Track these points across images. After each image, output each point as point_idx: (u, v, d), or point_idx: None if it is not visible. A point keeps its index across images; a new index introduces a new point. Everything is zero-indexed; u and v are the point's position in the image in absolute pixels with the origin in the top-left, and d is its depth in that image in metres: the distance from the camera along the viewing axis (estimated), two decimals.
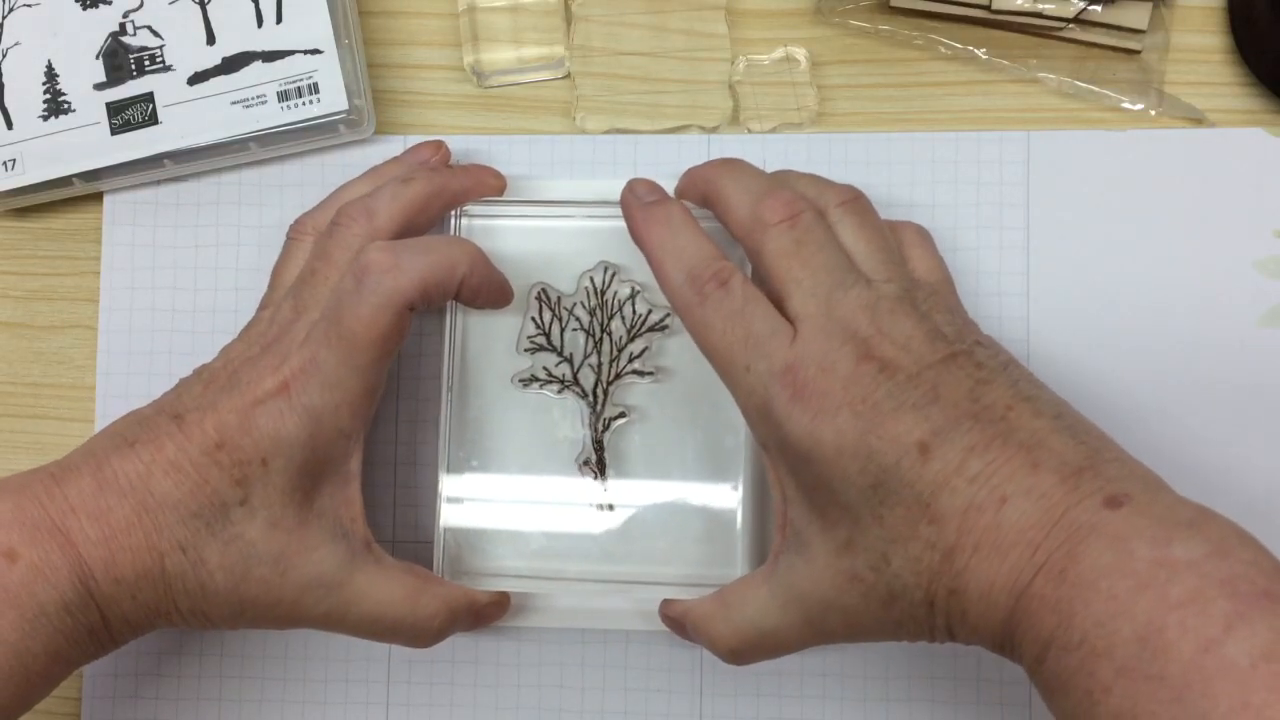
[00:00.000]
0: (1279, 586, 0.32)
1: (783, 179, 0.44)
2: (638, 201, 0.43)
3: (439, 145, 0.48)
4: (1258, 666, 0.30)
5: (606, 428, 0.47)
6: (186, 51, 0.48)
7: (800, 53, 0.49)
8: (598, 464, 0.47)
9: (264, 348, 0.42)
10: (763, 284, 0.41)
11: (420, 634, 0.44)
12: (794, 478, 0.40)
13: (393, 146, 0.50)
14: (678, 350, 0.47)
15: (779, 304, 0.40)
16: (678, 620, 0.44)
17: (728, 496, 0.46)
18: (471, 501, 0.47)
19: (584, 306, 0.48)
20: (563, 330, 0.48)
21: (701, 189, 0.44)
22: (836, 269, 0.40)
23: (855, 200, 0.43)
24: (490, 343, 0.48)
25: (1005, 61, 0.48)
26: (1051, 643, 0.34)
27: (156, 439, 0.41)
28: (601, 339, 0.47)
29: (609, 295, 0.47)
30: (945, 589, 0.36)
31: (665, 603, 0.45)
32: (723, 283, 0.40)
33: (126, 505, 0.39)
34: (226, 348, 0.44)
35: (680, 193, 0.45)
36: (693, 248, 0.41)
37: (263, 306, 0.45)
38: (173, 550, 0.40)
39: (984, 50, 0.48)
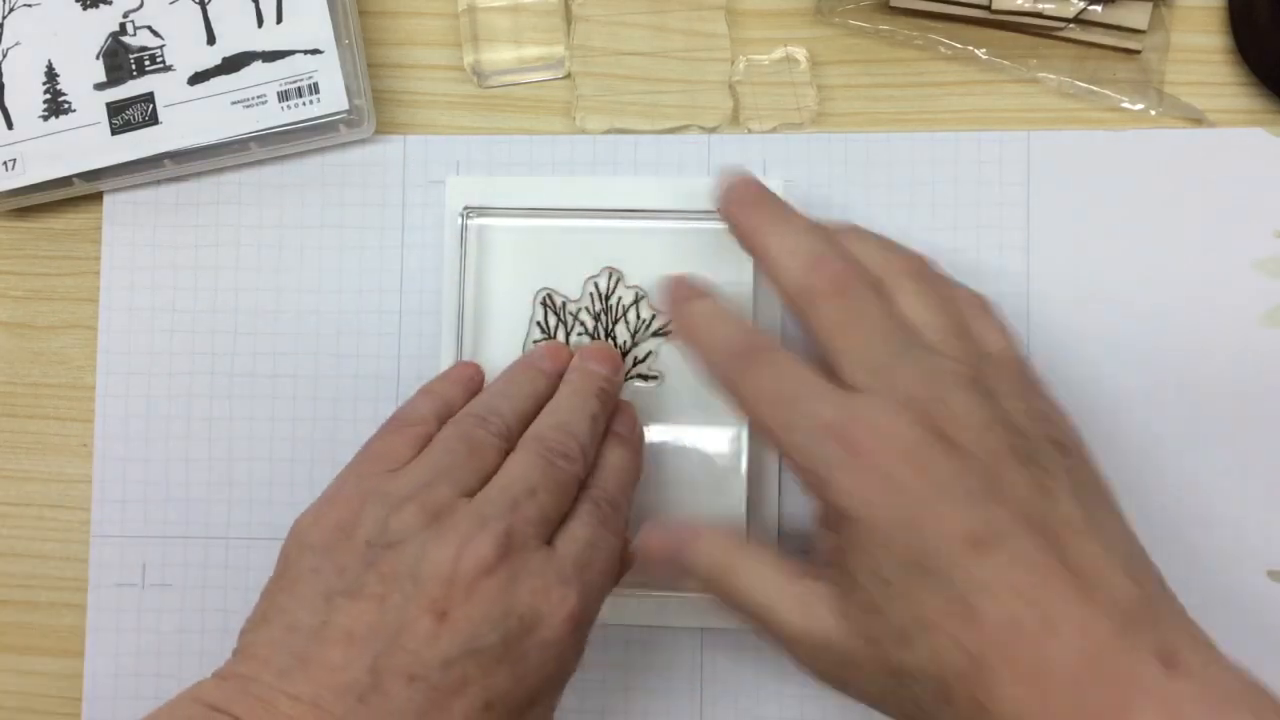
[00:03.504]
0: None
1: (832, 238, 0.40)
2: (675, 304, 0.42)
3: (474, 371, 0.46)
4: None
5: None
6: (186, 51, 0.48)
7: (800, 53, 0.49)
8: None
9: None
10: (813, 346, 0.39)
11: None
12: (838, 532, 0.37)
13: (393, 146, 0.50)
14: (682, 355, 0.47)
15: (830, 370, 0.38)
16: (682, 545, 0.41)
17: (730, 500, 0.46)
18: None
19: (589, 311, 0.48)
20: (568, 335, 0.48)
21: (745, 238, 0.41)
22: (891, 338, 0.38)
23: (919, 267, 0.40)
24: (495, 346, 0.48)
25: (1005, 61, 0.48)
26: None
27: None
28: (606, 344, 0.47)
29: (613, 300, 0.48)
30: (969, 696, 0.34)
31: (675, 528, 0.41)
32: (764, 351, 0.39)
33: None
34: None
35: (723, 217, 0.42)
36: (729, 333, 0.40)
37: (321, 551, 0.38)
38: None
39: (984, 50, 0.48)
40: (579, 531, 0.39)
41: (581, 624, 0.38)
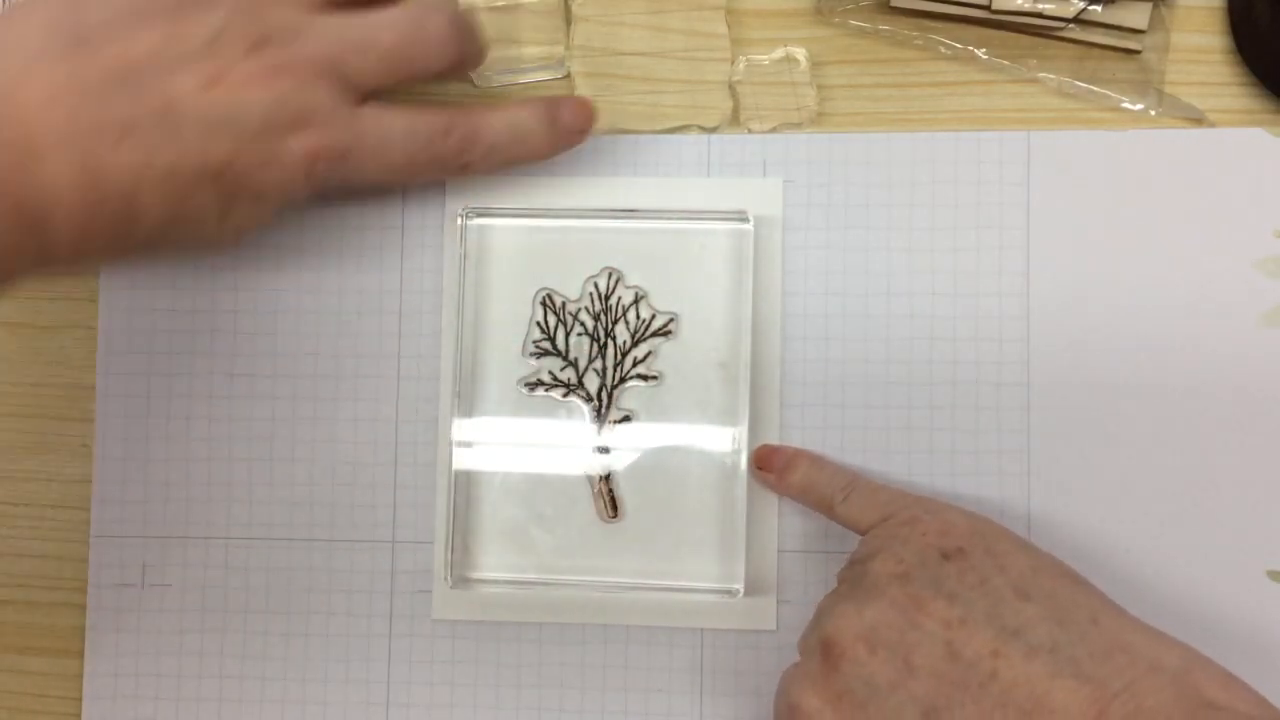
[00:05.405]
0: None
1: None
2: (780, 475, 0.46)
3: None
4: None
5: (611, 431, 0.47)
6: None
7: (800, 53, 0.49)
8: (602, 468, 0.47)
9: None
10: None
11: None
12: None
13: None
14: (681, 355, 0.47)
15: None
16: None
17: (731, 499, 0.46)
18: (476, 500, 0.47)
19: (588, 311, 0.48)
20: (567, 335, 0.48)
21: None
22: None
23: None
24: (495, 346, 0.48)
25: (1005, 61, 0.48)
26: None
27: None
28: (606, 344, 0.47)
29: (613, 300, 0.48)
30: None
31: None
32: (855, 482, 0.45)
33: None
34: None
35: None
36: (827, 478, 0.46)
37: None
38: None
39: (984, 50, 0.48)
40: None
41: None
